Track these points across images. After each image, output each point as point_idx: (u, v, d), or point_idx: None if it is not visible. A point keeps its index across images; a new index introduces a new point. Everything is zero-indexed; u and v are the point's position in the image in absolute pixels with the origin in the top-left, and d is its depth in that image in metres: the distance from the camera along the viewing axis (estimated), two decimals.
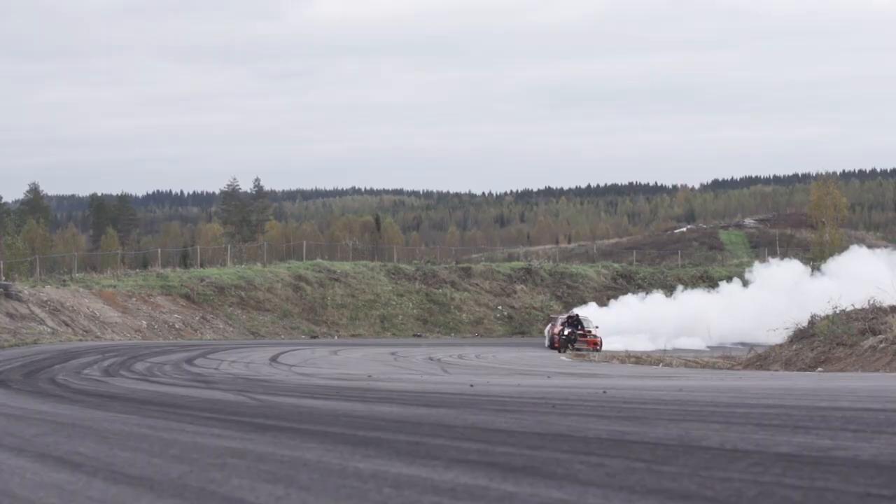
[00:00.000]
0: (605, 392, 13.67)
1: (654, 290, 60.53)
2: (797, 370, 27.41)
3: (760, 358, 31.81)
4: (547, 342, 48.24)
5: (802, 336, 30.86)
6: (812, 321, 31.19)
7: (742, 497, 4.85)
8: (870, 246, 67.46)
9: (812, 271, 59.36)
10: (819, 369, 26.85)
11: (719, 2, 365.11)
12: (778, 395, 13.05)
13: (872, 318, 29.07)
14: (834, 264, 59.37)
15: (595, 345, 44.86)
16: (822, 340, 29.24)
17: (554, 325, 47.79)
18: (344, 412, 10.37)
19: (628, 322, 50.87)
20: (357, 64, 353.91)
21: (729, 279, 63.41)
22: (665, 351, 42.06)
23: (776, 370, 28.05)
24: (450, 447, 6.99)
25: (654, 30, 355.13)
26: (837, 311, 30.41)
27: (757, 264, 65.79)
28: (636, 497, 4.91)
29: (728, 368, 31.10)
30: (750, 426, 8.16)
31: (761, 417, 9.03)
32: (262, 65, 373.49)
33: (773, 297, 50.54)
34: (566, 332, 45.25)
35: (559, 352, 43.22)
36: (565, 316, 48.30)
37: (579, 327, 46.01)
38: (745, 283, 60.26)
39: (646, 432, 7.73)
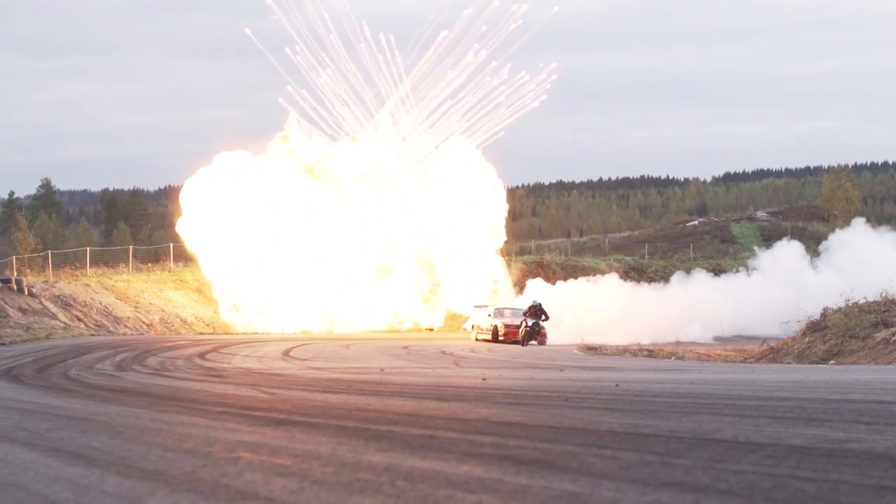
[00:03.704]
0: (617, 385, 13.67)
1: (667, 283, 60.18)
2: (809, 363, 27.35)
3: (773, 350, 31.77)
4: (486, 335, 44.18)
5: (815, 329, 30.82)
6: (824, 314, 31.16)
7: (756, 489, 4.84)
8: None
9: (811, 259, 59.27)
10: (831, 362, 26.81)
11: None
12: (790, 387, 13.03)
13: (885, 311, 29.04)
14: (835, 238, 59.47)
15: (544, 337, 42.09)
16: (835, 333, 29.20)
17: (501, 316, 44.53)
18: (357, 406, 10.37)
19: (627, 314, 49.75)
20: (365, 59, 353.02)
21: (736, 270, 63.37)
22: (678, 343, 41.92)
23: (788, 363, 28.00)
24: (463, 440, 7.00)
25: (664, 23, 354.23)
26: (850, 304, 30.37)
27: (756, 250, 65.80)
28: (650, 490, 4.91)
29: (741, 361, 31.06)
30: (763, 419, 8.15)
31: (774, 410, 9.02)
32: (271, 60, 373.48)
33: (775, 285, 50.38)
34: (530, 324, 41.66)
35: (521, 345, 40.44)
36: (527, 305, 43.61)
37: (543, 317, 42.18)
38: (749, 271, 60.24)
39: (659, 425, 7.73)
